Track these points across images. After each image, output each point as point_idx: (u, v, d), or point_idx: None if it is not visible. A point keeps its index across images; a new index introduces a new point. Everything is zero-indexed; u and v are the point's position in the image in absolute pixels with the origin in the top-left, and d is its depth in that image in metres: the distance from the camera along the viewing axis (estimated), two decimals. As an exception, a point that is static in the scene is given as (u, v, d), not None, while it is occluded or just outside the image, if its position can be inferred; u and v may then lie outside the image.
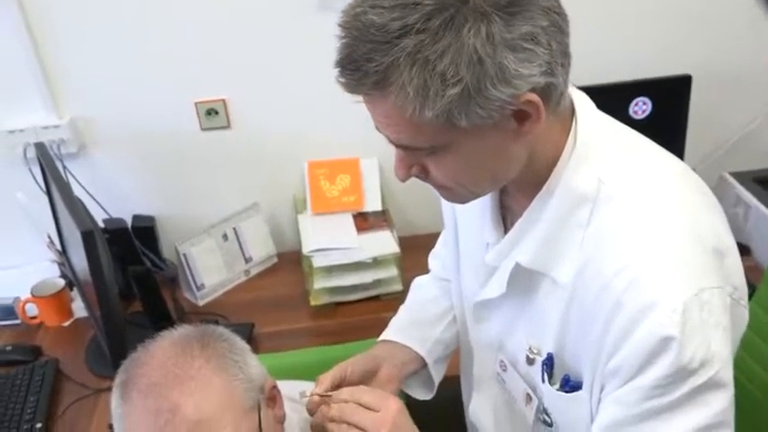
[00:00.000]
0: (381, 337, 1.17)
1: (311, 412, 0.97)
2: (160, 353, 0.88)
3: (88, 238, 1.29)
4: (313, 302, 1.79)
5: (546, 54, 0.74)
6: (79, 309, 1.81)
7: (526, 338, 0.95)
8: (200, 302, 1.86)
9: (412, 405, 1.22)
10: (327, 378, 1.00)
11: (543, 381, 0.94)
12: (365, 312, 1.77)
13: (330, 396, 0.95)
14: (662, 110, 1.81)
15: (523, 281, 0.92)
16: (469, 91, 0.72)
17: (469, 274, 1.07)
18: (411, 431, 0.91)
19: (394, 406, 0.91)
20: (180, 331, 0.92)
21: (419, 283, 1.31)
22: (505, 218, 0.97)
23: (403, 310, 1.26)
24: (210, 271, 1.87)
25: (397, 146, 0.82)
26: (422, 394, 1.19)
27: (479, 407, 1.14)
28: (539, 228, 0.87)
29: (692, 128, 1.86)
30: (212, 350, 0.89)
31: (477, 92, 0.72)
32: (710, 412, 0.78)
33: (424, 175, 0.85)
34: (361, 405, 0.92)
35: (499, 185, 0.91)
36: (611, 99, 1.78)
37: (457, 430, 1.25)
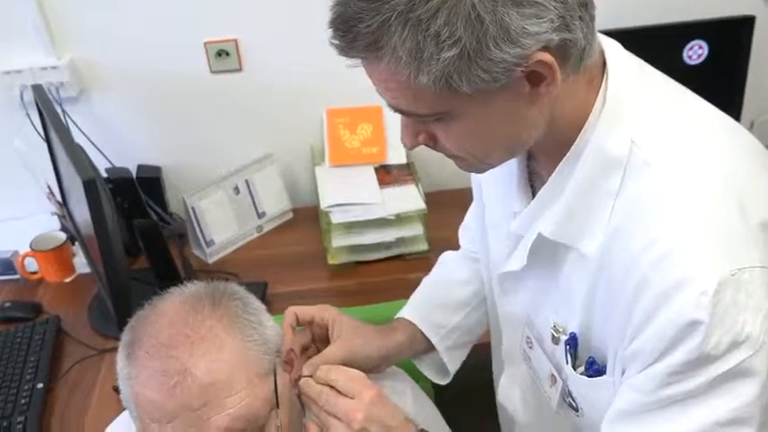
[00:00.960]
0: (396, 317, 1.19)
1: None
2: (169, 311, 0.89)
3: (90, 187, 1.31)
4: (331, 261, 1.81)
5: (558, 7, 0.73)
6: (81, 264, 1.85)
7: (552, 315, 0.96)
8: (210, 260, 1.88)
9: (442, 385, 1.27)
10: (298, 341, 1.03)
11: (567, 362, 0.94)
12: (387, 273, 1.79)
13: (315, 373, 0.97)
14: (719, 55, 1.78)
15: (548, 253, 0.92)
16: (468, 53, 0.71)
17: (496, 244, 1.07)
18: (390, 420, 0.91)
19: (369, 393, 0.91)
20: (190, 288, 0.93)
21: (447, 259, 1.31)
22: (534, 184, 0.97)
23: (424, 286, 1.26)
24: (221, 226, 1.88)
25: (396, 111, 0.81)
26: (436, 378, 1.21)
27: (508, 386, 1.16)
28: (564, 196, 0.86)
29: (752, 76, 1.83)
30: (225, 309, 0.90)
31: (477, 53, 0.71)
32: (736, 403, 0.77)
33: (433, 143, 0.84)
34: (335, 389, 0.93)
35: (517, 154, 0.90)
36: (664, 42, 1.79)
37: (489, 413, 1.28)
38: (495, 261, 1.07)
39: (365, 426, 0.90)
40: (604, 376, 0.89)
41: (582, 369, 0.93)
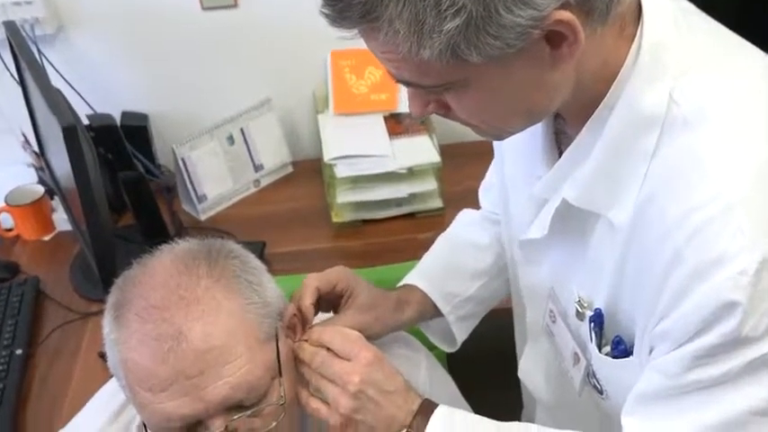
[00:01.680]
0: (405, 280, 1.19)
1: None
2: (161, 270, 0.89)
3: (70, 135, 1.31)
4: (335, 219, 1.81)
5: None
6: (61, 221, 1.85)
7: (577, 288, 0.96)
8: (202, 216, 1.89)
9: (461, 358, 1.29)
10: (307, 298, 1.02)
11: (591, 340, 0.94)
12: (397, 232, 1.79)
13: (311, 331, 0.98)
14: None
15: (573, 221, 0.91)
16: (475, 21, 0.69)
17: (518, 207, 1.07)
18: (389, 384, 0.93)
19: (366, 355, 0.93)
20: (183, 245, 0.93)
21: (466, 218, 1.31)
22: (561, 145, 0.96)
23: (439, 248, 1.26)
24: (214, 180, 1.89)
25: (401, 83, 0.81)
26: (442, 345, 1.23)
27: (530, 363, 1.17)
28: (592, 158, 0.85)
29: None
30: (222, 268, 0.90)
31: (485, 21, 0.69)
32: None
33: (445, 111, 0.84)
34: (331, 351, 0.94)
35: (540, 119, 0.89)
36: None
37: (507, 387, 1.30)
38: (517, 226, 1.07)
39: (362, 389, 0.91)
40: (631, 357, 0.89)
41: (607, 349, 0.93)
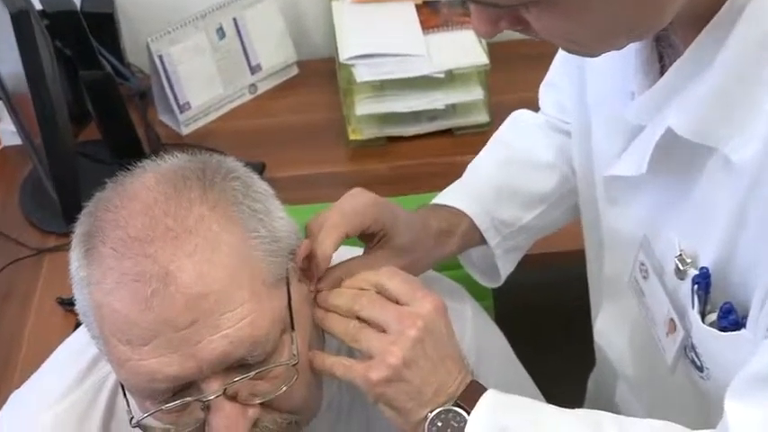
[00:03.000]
0: (449, 200, 1.19)
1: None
2: (143, 193, 0.88)
3: (21, 22, 1.31)
4: (353, 136, 1.81)
5: None
6: (8, 134, 1.86)
7: (678, 239, 0.95)
8: (184, 130, 1.88)
9: (510, 311, 1.31)
10: (330, 242, 0.99)
11: (693, 306, 0.94)
12: (431, 154, 1.77)
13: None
14: None
15: (678, 156, 0.91)
16: None
17: (602, 132, 1.07)
18: (447, 347, 0.94)
19: (430, 302, 0.93)
20: (171, 162, 0.93)
21: (524, 123, 1.31)
22: (664, 57, 0.95)
23: (491, 161, 1.27)
24: (199, 84, 1.87)
25: (471, 1, 0.81)
26: (483, 279, 1.25)
27: (609, 324, 1.18)
28: (707, 77, 0.85)
29: None
30: (220, 192, 0.90)
31: None
32: None
33: (522, 27, 0.83)
34: (383, 294, 0.95)
35: (645, 37, 0.89)
36: None
37: (570, 345, 1.34)
38: (601, 156, 1.07)
39: (423, 337, 0.91)
40: (743, 330, 0.89)
41: (713, 318, 0.92)
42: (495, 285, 1.26)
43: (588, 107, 1.10)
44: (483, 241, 1.19)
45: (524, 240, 1.23)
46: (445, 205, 1.18)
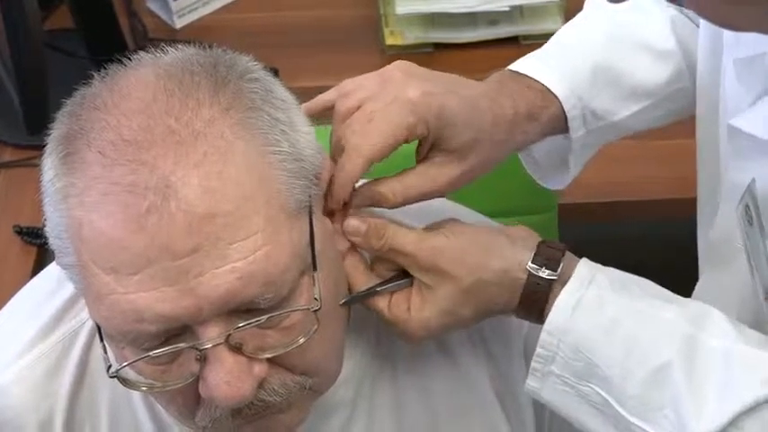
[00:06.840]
0: (519, 65, 1.13)
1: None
2: (140, 88, 0.85)
3: None
4: (391, 41, 1.78)
5: None
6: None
7: None
8: (178, 23, 1.87)
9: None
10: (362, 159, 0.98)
11: None
12: (490, 66, 1.60)
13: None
14: None
15: None
16: None
17: (732, 70, 1.05)
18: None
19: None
20: (174, 55, 0.88)
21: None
22: None
23: (590, 33, 1.19)
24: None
25: None
26: (546, 179, 1.23)
27: (712, 292, 1.16)
28: None
29: None
30: (235, 93, 0.85)
31: None
32: None
33: None
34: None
35: None
36: None
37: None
38: (729, 95, 1.06)
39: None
40: None
41: None
42: (560, 187, 1.23)
43: (716, 43, 1.09)
44: (562, 131, 1.14)
45: (606, 138, 1.20)
46: (526, 76, 1.12)
